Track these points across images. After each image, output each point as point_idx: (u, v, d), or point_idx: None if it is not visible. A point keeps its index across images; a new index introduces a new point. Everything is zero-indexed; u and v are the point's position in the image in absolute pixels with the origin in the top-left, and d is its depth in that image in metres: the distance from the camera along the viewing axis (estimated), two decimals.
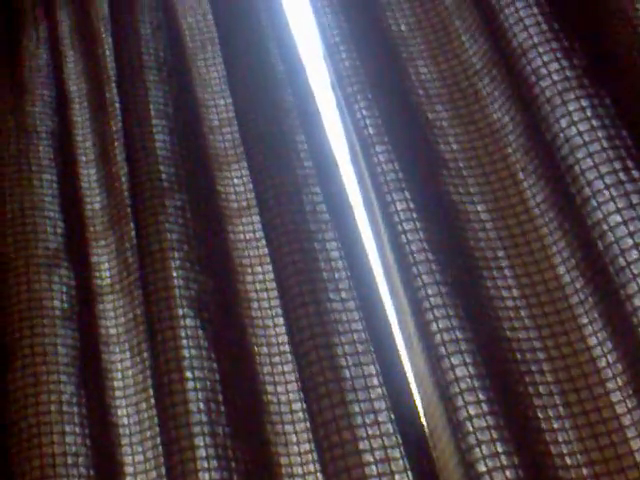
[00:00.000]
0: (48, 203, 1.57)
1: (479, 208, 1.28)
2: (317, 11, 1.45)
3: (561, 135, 1.15)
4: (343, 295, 1.26)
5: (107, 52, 1.71)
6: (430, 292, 1.14)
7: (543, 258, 1.23)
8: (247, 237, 1.44)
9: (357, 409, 1.18)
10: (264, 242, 1.41)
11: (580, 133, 1.14)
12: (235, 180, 1.50)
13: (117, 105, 1.62)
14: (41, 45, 1.79)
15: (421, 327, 1.14)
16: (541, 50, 1.21)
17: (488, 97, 1.35)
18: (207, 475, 1.20)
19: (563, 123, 1.16)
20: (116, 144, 1.60)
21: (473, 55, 1.38)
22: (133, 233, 1.48)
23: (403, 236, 1.18)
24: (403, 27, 1.47)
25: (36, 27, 1.81)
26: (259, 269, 1.42)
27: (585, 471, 1.09)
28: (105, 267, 1.53)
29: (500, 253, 1.25)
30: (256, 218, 1.45)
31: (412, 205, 1.21)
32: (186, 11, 1.67)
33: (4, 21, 1.83)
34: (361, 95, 1.32)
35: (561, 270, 1.21)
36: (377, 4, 1.49)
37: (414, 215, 1.20)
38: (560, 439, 1.11)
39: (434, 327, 1.12)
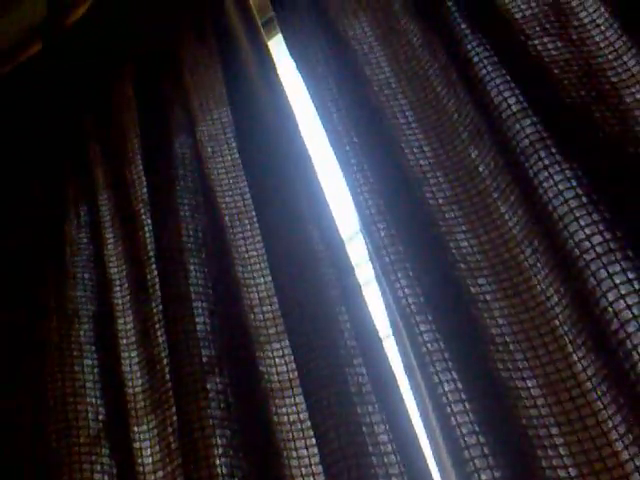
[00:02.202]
0: (89, 389, 1.56)
1: (529, 384, 1.24)
2: (353, 190, 1.46)
3: (610, 309, 1.13)
4: None
5: (147, 234, 1.72)
6: (484, 478, 1.09)
7: (599, 434, 1.18)
8: (291, 419, 1.41)
9: None
10: (309, 424, 1.37)
11: (629, 306, 1.12)
12: (277, 360, 1.47)
13: (157, 287, 1.62)
14: (82, 229, 1.82)
15: None
16: (582, 223, 1.20)
17: (531, 269, 1.33)
18: None
19: (610, 297, 1.14)
20: (157, 326, 1.60)
21: (513, 227, 1.37)
22: (175, 417, 1.45)
23: (453, 418, 1.15)
24: (441, 200, 1.47)
25: (77, 212, 1.84)
26: (304, 452, 1.37)
27: None
28: (147, 453, 1.50)
29: (554, 430, 1.20)
30: (299, 399, 1.42)
31: (460, 385, 1.18)
32: (224, 191, 1.69)
33: (47, 208, 1.86)
34: (402, 273, 1.31)
35: (619, 446, 1.16)
36: (412, 180, 1.49)
37: (463, 396, 1.17)
38: None
39: None
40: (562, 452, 1.18)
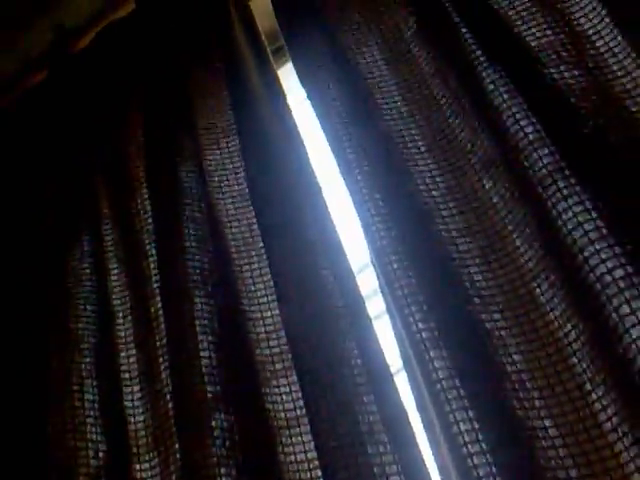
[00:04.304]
0: (90, 425, 1.51)
1: (547, 423, 1.19)
2: (365, 220, 1.42)
3: (633, 346, 1.08)
4: None
5: (152, 265, 1.68)
6: None
7: (621, 478, 1.13)
8: (298, 458, 1.35)
9: None
10: (317, 464, 1.32)
11: None
12: (284, 396, 1.42)
13: (162, 319, 1.57)
14: (85, 259, 1.77)
15: None
16: (604, 256, 1.16)
17: (548, 304, 1.28)
18: None
19: (634, 333, 1.09)
20: (160, 360, 1.55)
21: (529, 260, 1.32)
22: (178, 455, 1.40)
23: (469, 460, 1.10)
24: (454, 232, 1.42)
25: (80, 241, 1.80)
26: None
27: None
28: None
29: (572, 473, 1.15)
30: (307, 437, 1.36)
31: (477, 425, 1.13)
32: (230, 222, 1.64)
33: (48, 238, 1.82)
34: (415, 307, 1.27)
35: None
36: (425, 211, 1.44)
37: (480, 436, 1.12)
38: None
39: None
40: None
